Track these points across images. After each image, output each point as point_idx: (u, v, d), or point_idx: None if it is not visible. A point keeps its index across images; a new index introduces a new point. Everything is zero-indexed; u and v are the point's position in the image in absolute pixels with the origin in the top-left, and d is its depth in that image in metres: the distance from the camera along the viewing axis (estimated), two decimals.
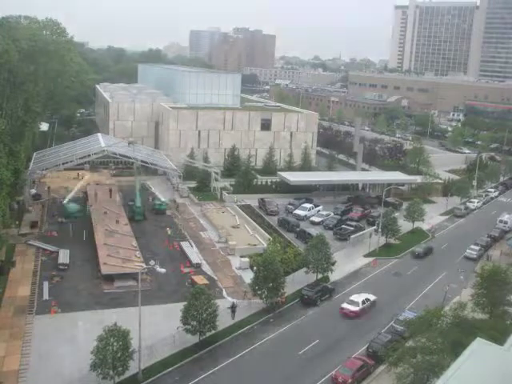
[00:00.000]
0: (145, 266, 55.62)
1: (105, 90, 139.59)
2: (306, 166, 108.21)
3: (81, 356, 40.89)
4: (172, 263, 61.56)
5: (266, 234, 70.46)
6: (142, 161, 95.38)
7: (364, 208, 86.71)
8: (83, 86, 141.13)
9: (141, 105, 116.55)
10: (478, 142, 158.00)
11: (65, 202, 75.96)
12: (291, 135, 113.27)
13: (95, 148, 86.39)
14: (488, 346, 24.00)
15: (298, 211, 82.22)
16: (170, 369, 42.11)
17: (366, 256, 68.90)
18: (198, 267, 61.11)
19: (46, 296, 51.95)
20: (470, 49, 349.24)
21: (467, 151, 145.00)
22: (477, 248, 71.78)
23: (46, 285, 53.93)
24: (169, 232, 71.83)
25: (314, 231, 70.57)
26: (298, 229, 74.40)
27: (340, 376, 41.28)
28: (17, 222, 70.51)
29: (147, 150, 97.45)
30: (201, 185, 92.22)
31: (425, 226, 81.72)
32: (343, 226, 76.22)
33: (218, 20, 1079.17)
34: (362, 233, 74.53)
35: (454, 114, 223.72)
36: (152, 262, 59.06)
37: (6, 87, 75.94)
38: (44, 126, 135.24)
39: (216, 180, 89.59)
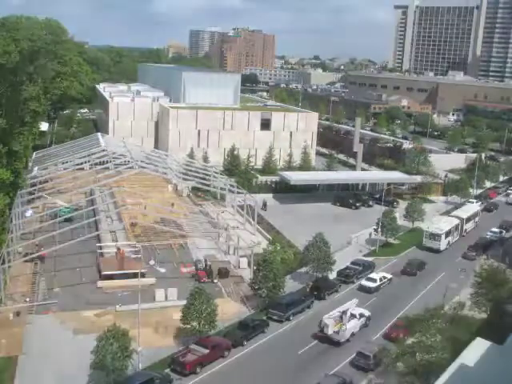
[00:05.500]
0: (145, 266, 55.75)
1: (105, 89, 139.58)
2: (305, 166, 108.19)
3: (80, 356, 40.86)
4: (171, 263, 61.46)
5: (266, 234, 70.39)
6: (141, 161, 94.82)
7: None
8: (83, 86, 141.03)
9: (140, 105, 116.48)
10: (478, 142, 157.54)
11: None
12: (291, 135, 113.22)
13: (95, 148, 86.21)
14: (487, 345, 24.05)
15: None
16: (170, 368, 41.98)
17: (365, 256, 68.92)
18: None
19: (45, 295, 51.96)
20: (469, 49, 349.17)
21: (470, 151, 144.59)
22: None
23: (45, 283, 53.91)
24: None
25: None
26: None
27: None
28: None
29: (146, 150, 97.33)
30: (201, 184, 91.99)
31: (424, 226, 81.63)
32: None
33: (217, 20, 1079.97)
34: (360, 233, 74.59)
35: (453, 114, 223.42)
36: (152, 262, 59.19)
37: (6, 87, 75.81)
38: (44, 126, 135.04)
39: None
